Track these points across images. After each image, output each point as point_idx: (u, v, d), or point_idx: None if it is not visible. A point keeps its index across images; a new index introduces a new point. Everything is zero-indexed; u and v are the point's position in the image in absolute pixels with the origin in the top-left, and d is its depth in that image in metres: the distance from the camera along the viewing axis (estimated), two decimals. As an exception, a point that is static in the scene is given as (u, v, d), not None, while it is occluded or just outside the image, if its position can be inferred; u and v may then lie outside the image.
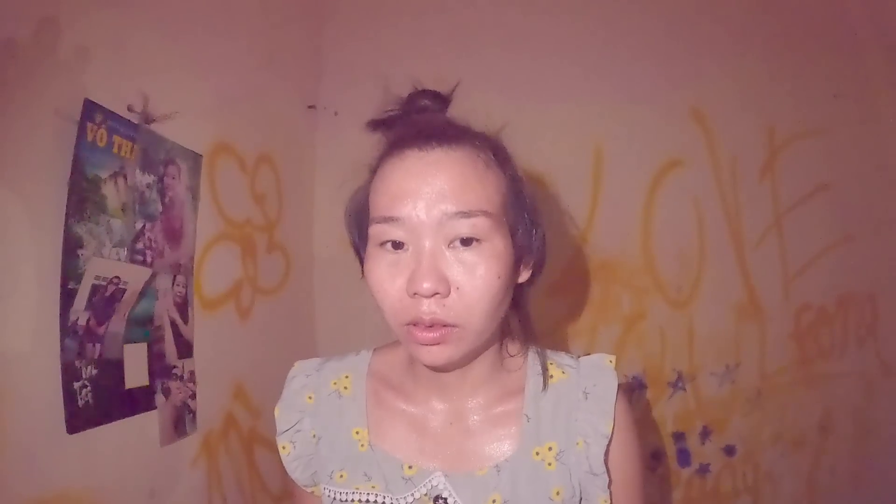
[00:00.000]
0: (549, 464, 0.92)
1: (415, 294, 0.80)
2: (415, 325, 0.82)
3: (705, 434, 1.93)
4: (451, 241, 0.82)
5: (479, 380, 0.95)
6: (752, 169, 1.94)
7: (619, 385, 0.97)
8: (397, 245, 0.83)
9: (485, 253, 0.82)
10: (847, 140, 1.92)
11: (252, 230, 1.72)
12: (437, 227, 0.81)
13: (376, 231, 0.84)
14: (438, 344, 0.82)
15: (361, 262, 0.93)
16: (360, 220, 0.93)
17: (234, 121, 1.64)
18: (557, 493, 0.92)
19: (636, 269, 1.93)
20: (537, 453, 0.93)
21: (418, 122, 0.90)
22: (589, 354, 1.02)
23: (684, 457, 1.93)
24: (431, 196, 0.81)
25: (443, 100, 0.94)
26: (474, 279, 0.81)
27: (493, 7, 2.00)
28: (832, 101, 1.93)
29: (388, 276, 0.83)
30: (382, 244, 0.84)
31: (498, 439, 0.94)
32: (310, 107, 2.05)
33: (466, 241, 0.82)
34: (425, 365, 0.87)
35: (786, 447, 1.93)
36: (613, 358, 1.00)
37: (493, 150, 0.88)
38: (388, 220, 0.82)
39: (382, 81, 2.00)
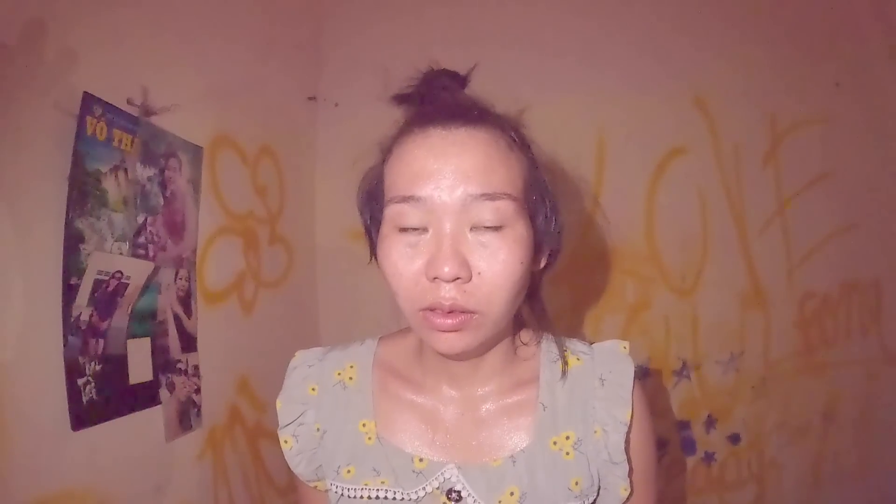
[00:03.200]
0: (567, 453, 0.90)
1: (435, 278, 0.77)
2: (432, 310, 0.79)
3: (710, 422, 1.93)
4: (474, 224, 0.79)
5: (493, 369, 0.93)
6: (754, 157, 1.93)
7: (634, 372, 0.95)
8: (415, 226, 0.80)
9: (508, 237, 0.79)
10: (849, 128, 1.91)
11: (254, 223, 1.72)
12: (460, 208, 0.78)
13: (394, 211, 0.81)
14: (457, 331, 0.79)
15: (372, 245, 0.91)
16: (372, 201, 0.90)
17: (234, 113, 1.62)
18: (576, 483, 0.90)
19: (640, 258, 1.92)
20: (554, 443, 0.91)
21: (442, 99, 0.87)
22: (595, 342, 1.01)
23: (689, 445, 1.93)
24: (455, 176, 0.78)
25: (461, 80, 0.91)
26: (496, 264, 0.78)
27: (495, -2, 1.99)
28: (834, 90, 1.92)
29: (403, 259, 0.80)
30: (400, 227, 0.81)
31: (512, 429, 0.92)
32: (310, 98, 2.04)
33: (489, 225, 0.79)
34: (440, 353, 0.84)
35: (790, 435, 1.93)
36: (627, 344, 0.98)
37: (515, 133, 0.86)
38: (408, 199, 0.79)
39: (383, 73, 2.00)
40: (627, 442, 0.92)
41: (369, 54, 2.03)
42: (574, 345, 0.99)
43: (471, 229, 0.79)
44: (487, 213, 0.78)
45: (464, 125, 0.81)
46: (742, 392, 1.93)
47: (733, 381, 1.93)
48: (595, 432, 0.92)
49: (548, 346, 0.98)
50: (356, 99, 2.03)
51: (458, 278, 0.77)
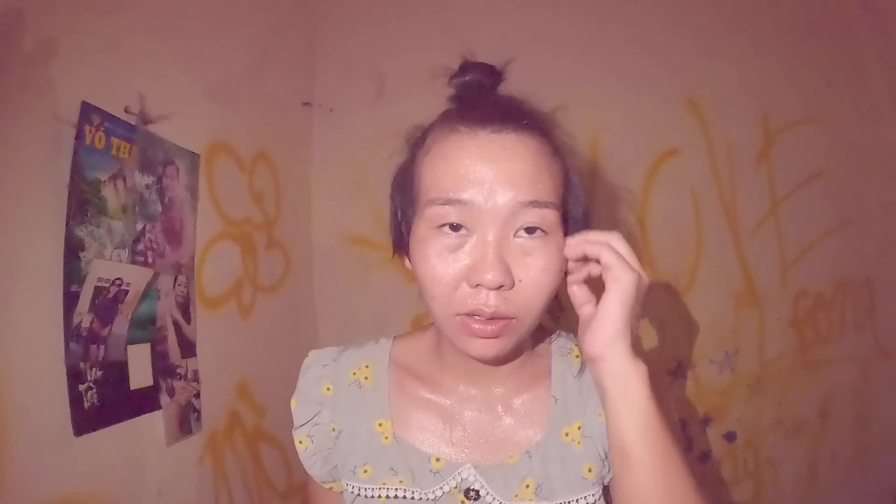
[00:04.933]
0: (578, 443, 0.90)
1: (478, 285, 0.77)
2: (470, 316, 0.79)
3: (706, 421, 1.94)
4: (517, 231, 0.78)
5: (510, 368, 0.93)
6: (747, 157, 1.95)
7: None
8: (457, 229, 0.78)
9: (549, 246, 0.79)
10: (841, 127, 1.93)
11: (251, 228, 1.73)
12: (507, 215, 0.77)
13: (435, 213, 0.79)
14: (494, 338, 0.79)
15: (397, 239, 0.90)
16: (403, 196, 0.88)
17: (230, 119, 1.64)
18: (589, 471, 0.90)
19: (634, 259, 1.93)
20: (566, 434, 0.91)
21: (490, 100, 0.85)
22: None
23: (685, 444, 1.94)
24: (504, 183, 0.77)
25: (496, 74, 0.88)
26: (538, 272, 0.78)
27: (489, 0, 2.00)
28: (825, 89, 1.93)
29: (442, 262, 0.79)
30: (440, 227, 0.79)
31: (527, 425, 0.92)
32: (305, 104, 2.05)
33: (531, 231, 0.78)
34: (474, 358, 0.83)
35: (786, 433, 1.94)
36: None
37: (558, 139, 0.86)
38: (453, 202, 0.77)
39: (377, 77, 2.02)
40: None
41: (363, 59, 2.04)
42: None
43: (514, 235, 0.79)
44: (534, 220, 0.78)
45: (514, 130, 0.80)
46: (737, 391, 1.94)
47: (728, 379, 1.94)
48: (599, 415, 0.90)
49: (560, 342, 0.98)
50: (351, 104, 2.05)
51: (501, 286, 0.77)
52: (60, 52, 1.09)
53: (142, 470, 1.28)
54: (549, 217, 0.79)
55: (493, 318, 0.78)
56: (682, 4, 1.96)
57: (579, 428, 0.92)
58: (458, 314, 0.79)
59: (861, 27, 1.93)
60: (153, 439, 1.32)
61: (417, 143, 0.88)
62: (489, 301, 0.77)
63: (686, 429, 1.94)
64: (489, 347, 0.80)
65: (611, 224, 1.89)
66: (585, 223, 0.87)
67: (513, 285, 0.77)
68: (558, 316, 0.98)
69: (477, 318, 0.78)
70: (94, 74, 1.17)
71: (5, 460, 0.98)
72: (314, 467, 0.98)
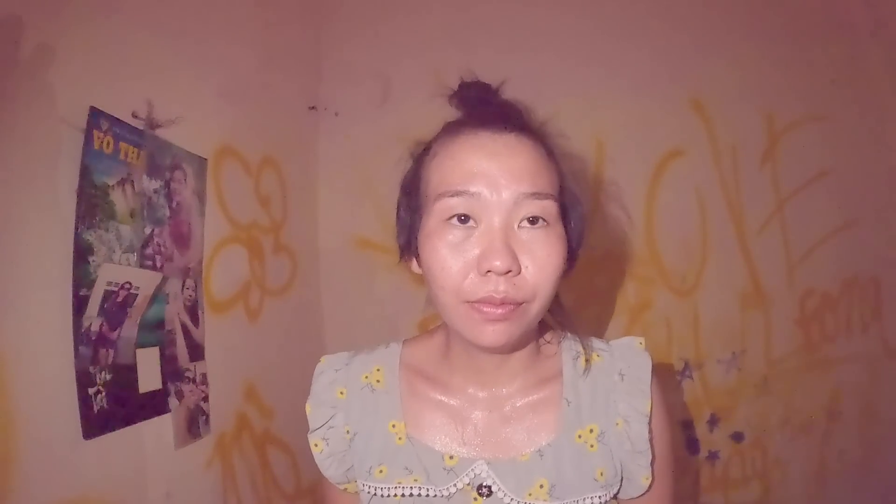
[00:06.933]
0: (592, 445, 0.94)
1: (488, 272, 0.81)
2: (479, 303, 0.83)
3: (713, 421, 1.94)
4: (521, 221, 0.84)
5: (518, 367, 0.96)
6: (752, 157, 1.95)
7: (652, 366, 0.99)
8: (465, 220, 0.84)
9: (551, 235, 0.85)
10: (846, 125, 1.93)
11: (258, 232, 1.73)
12: (511, 206, 0.83)
13: (445, 205, 0.84)
14: (504, 321, 0.83)
15: (404, 246, 0.95)
16: (412, 201, 0.94)
17: (237, 124, 1.65)
18: (601, 474, 0.93)
19: (640, 260, 1.94)
20: (579, 436, 0.94)
21: (491, 105, 0.93)
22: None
23: (693, 444, 1.94)
24: (507, 176, 0.83)
25: (493, 92, 0.96)
26: (542, 258, 0.83)
27: (493, 3, 2.01)
28: (830, 87, 1.93)
29: (452, 253, 0.84)
30: (449, 219, 0.84)
31: (538, 424, 0.95)
32: (311, 108, 2.06)
33: (534, 222, 0.84)
34: (483, 346, 0.86)
35: (793, 432, 1.93)
36: (643, 340, 1.02)
37: (552, 141, 0.92)
38: (461, 194, 0.83)
39: (382, 81, 2.03)
40: (650, 432, 0.95)
41: (368, 64, 2.05)
42: (593, 342, 1.02)
43: (518, 226, 0.84)
44: (536, 210, 0.84)
45: (512, 131, 0.87)
46: (744, 390, 1.94)
47: (735, 379, 1.94)
48: (617, 424, 0.95)
49: (568, 345, 1.01)
50: (356, 108, 2.06)
51: (509, 271, 0.81)
52: (68, 58, 1.10)
53: (150, 473, 1.29)
54: (550, 208, 0.85)
55: (503, 303, 0.82)
56: (685, 5, 1.96)
57: (591, 431, 0.95)
58: (468, 301, 0.83)
59: (864, 25, 1.93)
60: (162, 442, 1.32)
61: (422, 152, 0.94)
62: (499, 287, 0.81)
63: (693, 429, 1.94)
64: (499, 333, 0.83)
65: (616, 225, 1.90)
66: (580, 222, 0.94)
67: (520, 271, 0.82)
68: (560, 316, 1.01)
69: (487, 303, 0.82)
70: (101, 80, 1.17)
71: (15, 464, 0.99)
72: (330, 469, 1.01)
